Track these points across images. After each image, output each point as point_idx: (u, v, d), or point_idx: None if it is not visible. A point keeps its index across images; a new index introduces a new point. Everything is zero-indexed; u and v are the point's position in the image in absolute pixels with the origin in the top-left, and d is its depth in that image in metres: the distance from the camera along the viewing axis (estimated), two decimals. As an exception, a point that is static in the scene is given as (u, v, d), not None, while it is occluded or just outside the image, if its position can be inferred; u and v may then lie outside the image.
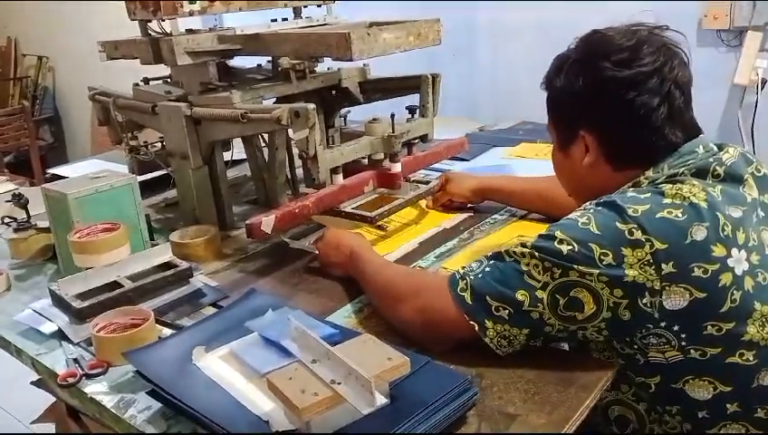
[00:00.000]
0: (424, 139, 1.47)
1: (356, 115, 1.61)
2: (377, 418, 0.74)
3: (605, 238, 0.83)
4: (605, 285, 0.83)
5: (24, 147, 3.96)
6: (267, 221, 1.16)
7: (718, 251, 0.83)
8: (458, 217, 1.44)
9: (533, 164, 1.74)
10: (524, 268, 0.86)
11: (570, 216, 0.90)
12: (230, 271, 1.25)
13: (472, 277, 0.89)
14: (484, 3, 2.88)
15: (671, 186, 0.87)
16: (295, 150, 1.44)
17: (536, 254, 0.85)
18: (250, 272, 1.23)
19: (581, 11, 2.49)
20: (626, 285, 0.82)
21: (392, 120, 1.34)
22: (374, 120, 1.35)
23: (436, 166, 1.57)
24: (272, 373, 0.78)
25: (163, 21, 1.31)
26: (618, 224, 0.83)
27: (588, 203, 0.91)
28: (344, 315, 1.06)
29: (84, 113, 4.10)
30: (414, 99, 1.47)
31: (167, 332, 1.03)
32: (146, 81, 1.51)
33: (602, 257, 0.82)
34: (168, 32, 1.33)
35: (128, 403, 0.88)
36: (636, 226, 0.83)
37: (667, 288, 0.82)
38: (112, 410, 0.87)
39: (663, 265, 0.82)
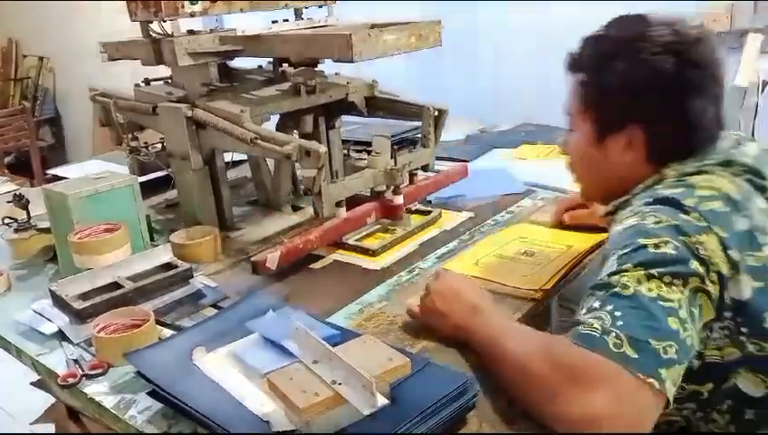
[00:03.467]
0: (425, 168, 1.48)
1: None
2: (377, 418, 0.74)
3: (687, 230, 0.79)
4: (717, 286, 0.79)
5: (24, 147, 3.97)
6: (272, 258, 1.16)
7: (761, 239, 0.82)
8: (459, 219, 1.44)
9: (534, 166, 1.75)
10: (653, 293, 0.76)
11: (625, 223, 0.84)
12: (230, 272, 1.26)
13: (616, 328, 0.74)
14: (485, 4, 2.88)
15: (700, 178, 0.86)
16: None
17: (652, 272, 0.77)
18: (250, 273, 1.23)
19: (583, 13, 2.49)
20: (721, 277, 0.79)
21: (394, 153, 1.35)
22: (377, 152, 1.35)
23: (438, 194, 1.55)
24: (272, 374, 0.78)
25: (164, 22, 1.31)
26: (683, 215, 0.80)
27: (634, 207, 0.87)
28: (345, 316, 1.06)
29: (85, 114, 4.10)
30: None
31: (167, 332, 1.03)
32: (147, 82, 1.51)
33: (697, 250, 0.78)
34: (170, 33, 1.33)
35: (128, 404, 0.87)
36: (697, 214, 0.80)
37: (735, 276, 0.79)
38: (112, 411, 0.87)
39: (730, 253, 0.79)
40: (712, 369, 0.83)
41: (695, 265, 0.78)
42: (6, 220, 1.40)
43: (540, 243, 1.27)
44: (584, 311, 0.79)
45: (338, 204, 1.28)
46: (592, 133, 0.97)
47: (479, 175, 1.62)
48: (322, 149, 1.15)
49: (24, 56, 4.79)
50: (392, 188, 1.35)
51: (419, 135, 1.48)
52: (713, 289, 0.79)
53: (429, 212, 1.44)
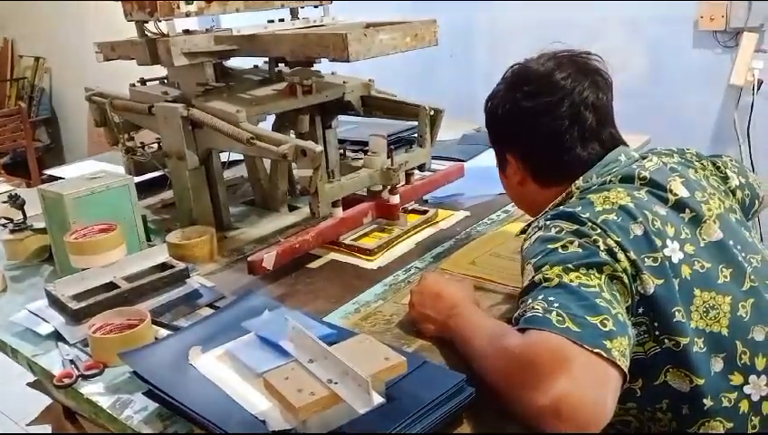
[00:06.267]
0: (421, 168, 1.48)
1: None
2: (373, 417, 0.74)
3: (585, 233, 0.87)
4: (624, 273, 0.85)
5: (20, 148, 3.96)
6: (268, 258, 1.16)
7: (657, 241, 0.88)
8: (455, 218, 1.44)
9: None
10: (575, 282, 0.82)
11: (533, 237, 0.92)
12: (227, 272, 1.25)
13: (554, 308, 0.79)
14: (481, 3, 2.89)
15: (597, 195, 0.93)
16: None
17: (569, 265, 0.83)
18: (247, 273, 1.23)
19: (579, 12, 2.50)
20: (625, 270, 0.85)
21: (390, 153, 1.35)
22: (373, 152, 1.36)
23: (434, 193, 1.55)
24: (268, 373, 0.78)
25: (160, 22, 1.31)
26: (578, 226, 0.88)
27: (537, 222, 0.96)
28: (341, 315, 1.06)
29: (81, 114, 4.09)
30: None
31: (163, 332, 1.03)
32: (142, 81, 1.51)
33: (599, 246, 0.85)
34: (165, 33, 1.33)
35: (124, 404, 0.87)
36: (592, 224, 0.88)
37: (638, 275, 0.86)
38: (108, 411, 0.87)
39: (629, 254, 0.86)
40: (639, 365, 0.87)
41: (603, 255, 0.84)
42: (2, 221, 1.39)
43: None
44: (521, 309, 0.83)
45: (334, 204, 1.28)
46: (498, 166, 1.13)
47: (475, 174, 1.62)
48: (318, 148, 1.15)
49: (21, 57, 4.77)
50: (388, 187, 1.35)
51: (416, 135, 1.49)
52: (624, 278, 0.85)
53: (426, 212, 1.44)
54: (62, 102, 4.76)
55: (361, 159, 1.41)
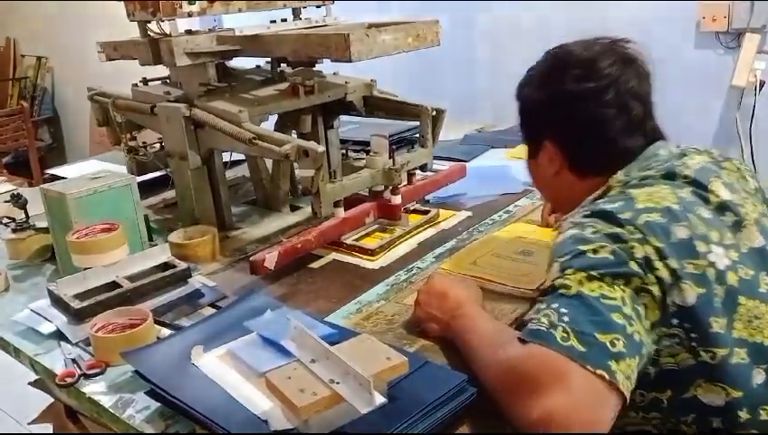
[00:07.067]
0: (423, 168, 1.48)
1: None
2: (375, 417, 0.74)
3: (622, 238, 0.82)
4: (656, 285, 0.80)
5: (22, 147, 3.97)
6: (270, 258, 1.16)
7: (701, 247, 0.84)
8: (457, 218, 1.44)
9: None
10: (595, 293, 0.78)
11: (566, 234, 0.87)
12: (229, 271, 1.26)
13: (563, 323, 0.76)
14: (483, 3, 2.89)
15: (639, 190, 0.89)
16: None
17: (592, 273, 0.80)
18: (249, 272, 1.23)
19: (581, 12, 2.50)
20: (660, 281, 0.81)
21: (392, 153, 1.35)
22: (375, 152, 1.36)
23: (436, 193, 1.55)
24: (270, 373, 0.78)
25: (162, 22, 1.31)
26: (617, 228, 0.83)
27: (573, 217, 0.90)
28: (343, 315, 1.06)
29: (83, 114, 4.10)
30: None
31: (165, 332, 1.03)
32: (145, 81, 1.51)
33: (633, 254, 0.81)
34: (168, 33, 1.33)
35: (126, 403, 0.88)
36: (632, 226, 0.83)
37: (677, 283, 0.81)
38: (111, 410, 0.87)
39: (668, 262, 0.81)
40: (669, 376, 0.84)
41: (633, 266, 0.80)
42: (4, 220, 1.40)
43: (537, 242, 1.27)
44: (532, 313, 0.82)
45: (336, 204, 1.28)
46: (528, 152, 1.07)
47: (477, 174, 1.62)
48: (320, 149, 1.15)
49: (23, 56, 4.78)
50: (390, 187, 1.35)
51: (417, 135, 1.49)
52: (655, 290, 0.80)
53: (427, 212, 1.44)
54: (64, 102, 4.76)
55: (363, 159, 1.41)
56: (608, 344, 0.75)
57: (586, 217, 0.88)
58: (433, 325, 0.97)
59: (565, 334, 0.75)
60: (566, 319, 0.77)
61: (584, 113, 0.96)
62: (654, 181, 0.91)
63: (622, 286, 0.79)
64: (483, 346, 0.86)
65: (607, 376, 0.73)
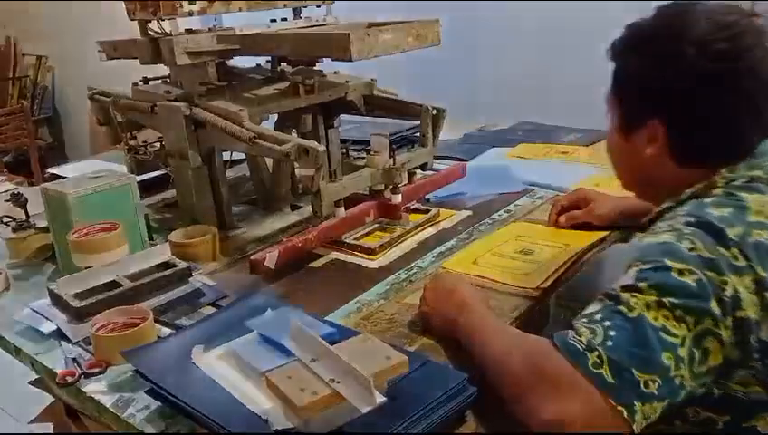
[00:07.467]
0: (423, 167, 1.48)
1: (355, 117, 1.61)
2: (376, 416, 0.74)
3: (719, 267, 0.74)
4: (731, 331, 0.74)
5: (23, 147, 3.96)
6: (271, 257, 1.16)
7: None
8: (457, 217, 1.44)
9: (533, 165, 1.75)
10: (657, 324, 0.72)
11: (659, 237, 0.79)
12: (229, 271, 1.26)
13: (602, 348, 0.72)
14: (483, 3, 2.88)
15: (752, 197, 0.80)
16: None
17: (665, 301, 0.73)
18: (249, 272, 1.23)
19: (582, 11, 2.50)
20: (741, 322, 0.73)
21: (392, 152, 1.35)
22: (375, 151, 1.36)
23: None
24: (271, 372, 0.78)
25: (162, 21, 1.31)
26: (721, 249, 0.75)
27: (674, 221, 0.80)
28: (343, 315, 1.06)
29: (83, 113, 4.10)
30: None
31: (166, 331, 1.03)
32: (145, 81, 1.51)
33: (721, 290, 0.73)
34: (168, 32, 1.33)
35: (126, 402, 0.88)
36: (738, 251, 0.74)
37: (766, 319, 0.74)
38: (111, 410, 0.87)
39: (766, 294, 0.74)
40: (733, 402, 0.79)
41: (713, 305, 0.73)
42: (5, 219, 1.40)
43: (538, 241, 1.27)
44: (585, 314, 0.77)
45: (336, 203, 1.28)
46: (619, 123, 0.93)
47: (477, 174, 1.62)
48: (321, 148, 1.15)
49: (23, 55, 4.78)
50: (391, 187, 1.35)
51: (418, 134, 1.48)
52: (725, 334, 0.74)
53: (428, 211, 1.44)
54: (64, 101, 4.76)
55: (364, 158, 1.41)
56: (641, 384, 0.71)
57: (689, 224, 0.78)
58: (438, 322, 0.95)
59: (599, 361, 0.72)
60: (609, 344, 0.72)
61: (714, 99, 0.82)
62: (763, 187, 0.81)
63: (690, 325, 0.73)
64: (499, 335, 0.84)
65: (625, 413, 0.71)
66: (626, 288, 0.76)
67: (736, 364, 0.76)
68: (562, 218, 1.32)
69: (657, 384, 0.71)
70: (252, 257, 1.16)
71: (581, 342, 0.74)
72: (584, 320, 0.77)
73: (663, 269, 0.75)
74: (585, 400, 0.71)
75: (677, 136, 0.87)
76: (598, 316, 0.76)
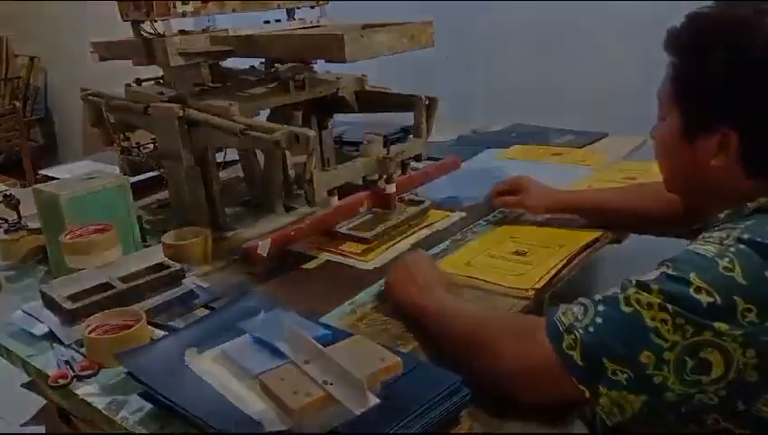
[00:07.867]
0: (417, 158, 1.48)
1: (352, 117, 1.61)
2: (369, 418, 0.74)
3: (752, 291, 0.69)
4: (740, 346, 0.70)
5: (15, 148, 3.94)
6: (263, 245, 1.15)
7: None
8: (451, 219, 1.44)
9: (527, 166, 1.75)
10: (651, 324, 0.71)
11: (702, 248, 0.74)
12: (222, 272, 1.25)
13: (581, 332, 0.73)
14: (477, 4, 2.89)
15: None
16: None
17: (668, 307, 0.70)
18: (242, 273, 1.23)
19: (577, 12, 2.50)
20: (763, 344, 0.70)
21: (387, 142, 1.34)
22: (369, 142, 1.35)
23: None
24: (264, 374, 0.78)
25: (156, 22, 1.31)
26: (767, 274, 0.70)
27: (724, 233, 0.75)
28: (337, 317, 1.06)
29: (76, 114, 4.08)
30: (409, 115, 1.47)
31: (159, 333, 1.02)
32: (138, 82, 1.51)
33: (745, 313, 0.69)
34: (161, 33, 1.33)
35: (119, 405, 0.87)
36: None
37: None
38: (104, 412, 0.86)
39: None
40: (756, 419, 0.77)
41: (722, 327, 0.69)
42: (-3, 221, 1.39)
43: (531, 242, 1.27)
44: (599, 295, 0.77)
45: (330, 193, 1.27)
46: (681, 126, 0.85)
47: (471, 175, 1.62)
48: (311, 133, 1.14)
49: (16, 56, 4.75)
50: (384, 177, 1.35)
51: (411, 131, 1.48)
52: (734, 349, 0.70)
53: (422, 202, 1.44)
54: (57, 102, 4.74)
55: (358, 151, 1.40)
56: (608, 371, 0.72)
57: (740, 241, 0.73)
58: (401, 300, 1.00)
59: (573, 343, 0.73)
60: (591, 329, 0.73)
61: None
62: None
63: (687, 335, 0.70)
64: (467, 312, 0.90)
65: (587, 394, 0.73)
66: (639, 284, 0.74)
67: (761, 386, 0.74)
68: (497, 201, 1.39)
69: (626, 375, 0.72)
70: (244, 245, 1.17)
71: (563, 323, 0.77)
72: (581, 301, 0.78)
73: (684, 283, 0.71)
74: (541, 359, 0.75)
75: (753, 147, 0.79)
76: (600, 296, 0.77)
